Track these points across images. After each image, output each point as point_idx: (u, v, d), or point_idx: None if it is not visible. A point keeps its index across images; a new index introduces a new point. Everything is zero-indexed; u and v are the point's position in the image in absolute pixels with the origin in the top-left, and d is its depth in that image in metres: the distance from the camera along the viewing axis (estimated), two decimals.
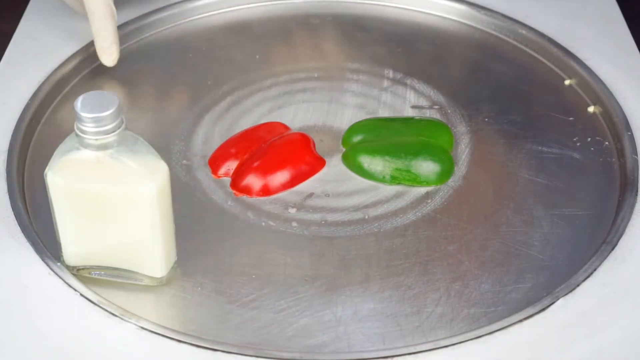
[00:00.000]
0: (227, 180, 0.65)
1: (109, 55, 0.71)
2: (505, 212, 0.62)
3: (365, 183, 0.65)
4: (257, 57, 0.76)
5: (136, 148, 0.53)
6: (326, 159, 0.66)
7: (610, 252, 0.58)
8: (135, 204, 0.53)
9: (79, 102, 0.51)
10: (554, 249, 0.59)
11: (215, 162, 0.65)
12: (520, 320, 0.54)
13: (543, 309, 0.55)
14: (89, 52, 0.75)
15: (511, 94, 0.73)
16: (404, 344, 0.53)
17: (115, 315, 0.54)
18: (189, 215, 0.61)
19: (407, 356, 0.52)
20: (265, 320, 0.55)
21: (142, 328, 0.53)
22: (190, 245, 0.59)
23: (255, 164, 0.64)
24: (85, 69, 0.74)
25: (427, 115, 0.70)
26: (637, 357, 0.52)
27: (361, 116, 0.70)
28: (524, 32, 0.77)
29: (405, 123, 0.68)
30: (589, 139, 0.68)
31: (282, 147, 0.66)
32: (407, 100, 0.72)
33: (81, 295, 0.55)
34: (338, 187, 0.64)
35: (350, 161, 0.66)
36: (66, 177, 0.53)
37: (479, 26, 0.80)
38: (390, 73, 0.74)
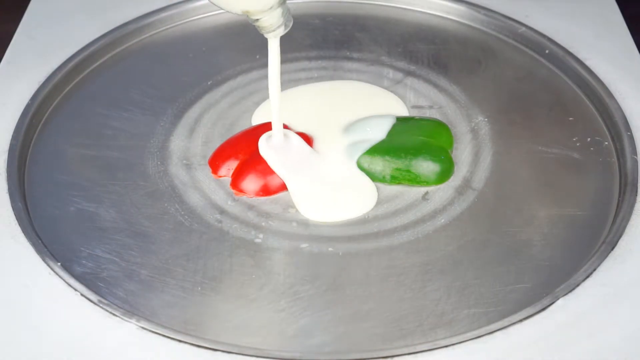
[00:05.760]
0: (227, 180, 0.65)
1: None
2: (505, 212, 0.62)
3: None
4: (257, 57, 0.76)
5: None
6: None
7: (610, 252, 0.58)
8: None
9: None
10: (554, 249, 0.59)
11: (215, 162, 0.65)
12: (520, 320, 0.54)
13: (543, 309, 0.55)
14: (89, 52, 0.75)
15: (511, 94, 0.73)
16: (404, 344, 0.53)
17: (115, 315, 0.54)
18: (189, 215, 0.62)
19: (407, 356, 0.52)
20: (265, 320, 0.55)
21: (142, 328, 0.53)
22: (190, 245, 0.59)
23: (255, 164, 0.64)
24: (86, 69, 0.74)
25: (427, 115, 0.70)
26: (637, 357, 0.52)
27: None
28: (524, 32, 0.77)
29: (405, 123, 0.68)
30: (589, 139, 0.68)
31: None
32: (407, 100, 0.72)
33: (81, 295, 0.55)
34: None
35: None
36: None
37: (479, 26, 0.80)
38: (390, 73, 0.74)
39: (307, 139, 0.66)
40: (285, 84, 0.73)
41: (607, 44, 0.76)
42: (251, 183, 0.63)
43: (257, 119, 0.69)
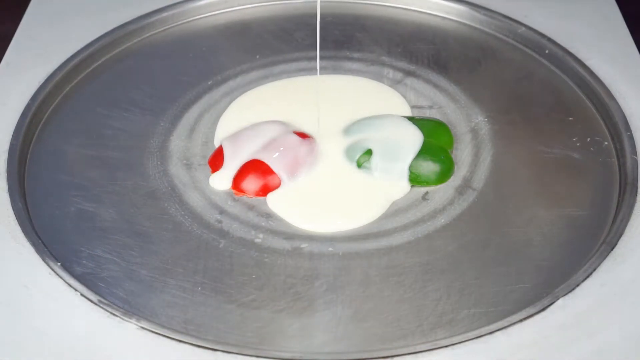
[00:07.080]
0: None
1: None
2: (505, 212, 0.62)
3: None
4: (257, 57, 0.76)
5: None
6: None
7: (610, 252, 0.58)
8: None
9: None
10: (554, 249, 0.59)
11: (215, 162, 0.65)
12: (520, 320, 0.54)
13: (543, 309, 0.55)
14: (89, 52, 0.75)
15: (511, 94, 0.73)
16: (404, 344, 0.53)
17: (115, 315, 0.54)
18: (189, 215, 0.62)
19: (407, 356, 0.52)
20: (265, 320, 0.55)
21: (142, 328, 0.53)
22: (190, 245, 0.59)
23: (255, 165, 0.64)
24: (86, 69, 0.74)
25: (427, 115, 0.70)
26: (637, 357, 0.52)
27: None
28: (524, 32, 0.77)
29: None
30: (589, 139, 0.68)
31: None
32: (407, 100, 0.72)
33: (81, 295, 0.55)
34: None
35: None
36: None
37: (479, 26, 0.80)
38: (390, 73, 0.74)
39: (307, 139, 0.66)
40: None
41: (607, 44, 0.76)
42: (251, 183, 0.63)
43: (220, 134, 0.68)
